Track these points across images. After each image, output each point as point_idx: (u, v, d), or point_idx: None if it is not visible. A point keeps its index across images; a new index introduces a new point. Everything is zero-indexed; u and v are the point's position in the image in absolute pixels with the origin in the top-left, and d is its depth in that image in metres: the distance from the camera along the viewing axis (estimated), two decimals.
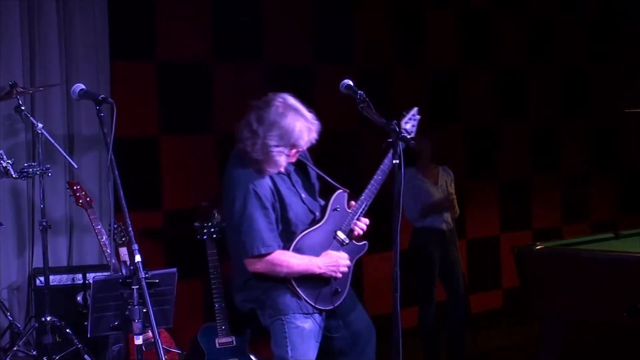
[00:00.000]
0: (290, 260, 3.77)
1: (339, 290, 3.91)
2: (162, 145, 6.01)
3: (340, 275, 3.86)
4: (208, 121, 6.20)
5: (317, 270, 3.80)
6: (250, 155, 3.73)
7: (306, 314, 3.82)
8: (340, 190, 3.96)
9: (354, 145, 6.61)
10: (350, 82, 3.72)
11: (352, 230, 3.94)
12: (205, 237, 5.29)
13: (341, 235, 3.93)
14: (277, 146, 3.70)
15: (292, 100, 3.80)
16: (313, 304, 3.82)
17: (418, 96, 7.26)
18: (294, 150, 3.76)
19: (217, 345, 5.17)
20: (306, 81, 6.62)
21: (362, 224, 3.95)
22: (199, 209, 5.84)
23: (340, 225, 3.93)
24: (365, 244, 4.01)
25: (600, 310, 4.53)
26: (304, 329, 3.82)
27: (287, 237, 3.82)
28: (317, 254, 3.84)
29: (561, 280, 4.68)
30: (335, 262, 3.85)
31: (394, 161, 3.41)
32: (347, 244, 3.93)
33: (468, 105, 7.66)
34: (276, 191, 3.79)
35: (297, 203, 3.87)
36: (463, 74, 7.62)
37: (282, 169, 3.83)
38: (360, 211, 3.91)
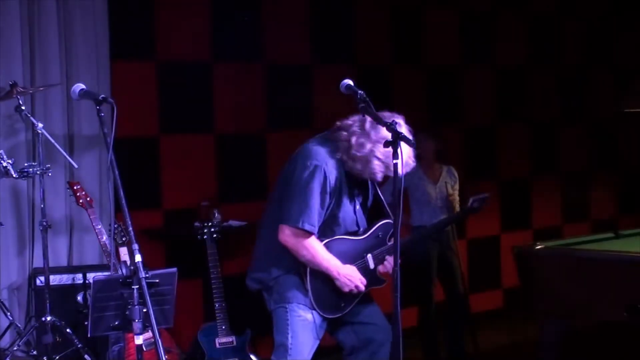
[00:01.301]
0: (319, 250, 3.81)
1: (342, 305, 3.95)
2: (162, 145, 6.01)
3: (347, 290, 3.89)
4: (208, 121, 6.20)
5: (335, 274, 3.84)
6: (349, 148, 3.76)
7: (309, 307, 3.87)
8: (389, 220, 3.98)
9: None
10: (351, 82, 3.72)
11: (380, 261, 3.98)
12: (205, 237, 5.29)
13: (370, 259, 3.96)
14: (378, 159, 3.74)
15: (407, 128, 3.79)
16: (313, 302, 3.85)
17: (418, 96, 7.27)
18: (389, 174, 3.78)
19: (217, 345, 5.18)
20: (306, 81, 6.62)
21: (390, 265, 3.97)
22: (199, 209, 5.85)
23: (374, 250, 3.97)
24: (385, 281, 4.03)
25: (600, 310, 4.54)
26: (306, 319, 3.87)
27: (324, 231, 3.85)
28: (341, 262, 3.88)
29: (561, 280, 4.68)
30: (355, 278, 3.89)
31: (394, 161, 3.41)
32: (370, 270, 3.96)
33: (468, 105, 7.66)
34: (340, 185, 3.83)
35: (350, 209, 3.92)
36: (463, 73, 7.62)
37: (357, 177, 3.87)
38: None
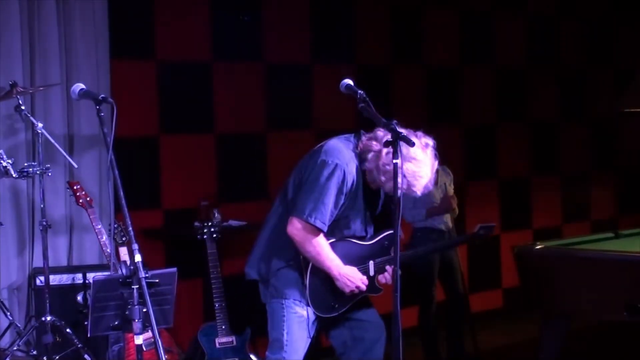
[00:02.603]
0: (324, 248, 3.80)
1: (336, 307, 3.94)
2: (162, 145, 6.01)
3: (348, 292, 3.88)
4: (208, 121, 6.20)
5: (336, 274, 3.83)
6: (378, 159, 3.75)
7: (305, 304, 3.87)
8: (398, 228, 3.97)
9: None
10: (350, 82, 3.72)
11: (381, 270, 3.98)
12: (205, 237, 5.29)
13: (372, 266, 3.96)
14: (404, 176, 3.69)
15: (434, 152, 3.82)
16: (308, 300, 3.85)
17: (418, 96, 7.27)
18: (408, 192, 3.77)
19: (217, 345, 5.18)
20: (306, 81, 6.62)
21: (389, 276, 3.97)
22: (199, 209, 5.85)
23: (377, 258, 3.97)
24: (382, 290, 4.03)
25: (600, 309, 4.54)
26: (302, 315, 3.87)
27: (333, 232, 3.85)
28: (344, 263, 3.88)
29: (561, 280, 4.67)
30: (355, 279, 3.88)
31: (394, 161, 3.41)
32: (370, 276, 3.95)
33: (468, 105, 7.66)
34: (356, 190, 3.83)
35: (361, 215, 3.92)
36: (463, 73, 7.62)
37: (373, 186, 3.87)
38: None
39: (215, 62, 6.21)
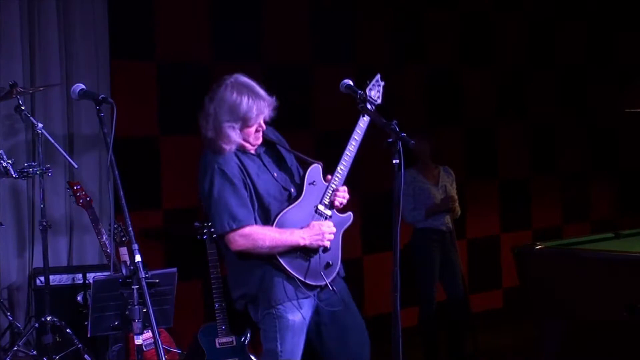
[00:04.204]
0: (269, 233, 3.72)
1: (330, 263, 3.84)
2: (162, 145, 6.01)
3: (327, 243, 3.79)
4: None
5: (302, 242, 3.74)
6: (206, 136, 3.74)
7: (297, 300, 3.79)
8: (315, 164, 3.89)
9: None
10: (350, 82, 3.72)
11: (332, 202, 3.88)
12: (205, 237, 5.30)
13: (322, 208, 3.85)
14: (228, 121, 3.70)
15: (243, 78, 3.79)
16: (302, 279, 3.77)
17: (418, 96, 7.27)
18: (249, 128, 3.73)
19: (217, 345, 5.18)
20: (305, 81, 6.63)
21: (342, 194, 3.89)
22: (199, 209, 5.84)
23: (320, 198, 3.86)
24: (349, 214, 3.94)
25: (600, 309, 4.53)
26: (295, 323, 3.81)
27: (264, 216, 3.78)
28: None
29: (561, 280, 4.68)
30: (319, 230, 3.78)
31: (394, 161, 3.40)
32: (330, 216, 3.86)
33: (468, 105, 7.66)
34: (244, 168, 3.78)
35: (268, 179, 3.83)
36: (463, 74, 7.62)
37: (251, 150, 3.81)
38: (338, 182, 3.84)
39: (215, 62, 6.21)
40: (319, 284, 3.83)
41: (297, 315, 3.82)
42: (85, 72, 5.55)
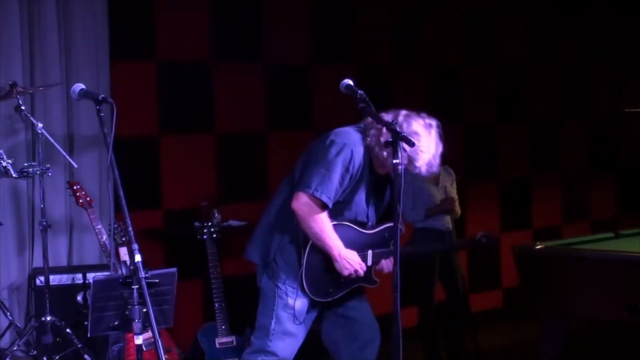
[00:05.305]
0: (328, 227, 3.77)
1: (331, 291, 3.90)
2: (162, 145, 6.01)
3: (346, 274, 3.84)
4: (208, 121, 6.20)
5: (336, 255, 3.79)
6: (379, 135, 3.74)
7: (299, 289, 3.83)
8: (402, 228, 3.91)
9: None
10: (351, 82, 3.72)
11: (378, 261, 3.96)
12: (205, 237, 5.29)
13: (370, 256, 3.93)
14: (404, 150, 3.68)
15: (438, 132, 3.83)
16: (303, 281, 3.80)
17: (418, 96, 7.27)
18: (410, 167, 3.76)
19: (217, 345, 5.18)
20: (306, 81, 6.62)
21: (389, 266, 3.96)
22: (199, 209, 5.85)
23: (376, 249, 3.94)
24: (377, 282, 4.02)
25: (600, 309, 4.54)
26: (291, 308, 3.84)
27: (334, 213, 3.82)
28: None
29: (561, 280, 4.68)
30: (354, 263, 3.84)
31: (394, 161, 3.41)
32: (367, 266, 3.92)
33: (468, 105, 7.66)
34: (362, 173, 3.82)
35: (364, 199, 3.89)
36: (463, 73, 7.62)
37: (380, 171, 3.85)
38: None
39: (215, 62, 6.21)
40: (309, 294, 3.86)
41: (298, 300, 3.85)
42: (85, 72, 5.55)
